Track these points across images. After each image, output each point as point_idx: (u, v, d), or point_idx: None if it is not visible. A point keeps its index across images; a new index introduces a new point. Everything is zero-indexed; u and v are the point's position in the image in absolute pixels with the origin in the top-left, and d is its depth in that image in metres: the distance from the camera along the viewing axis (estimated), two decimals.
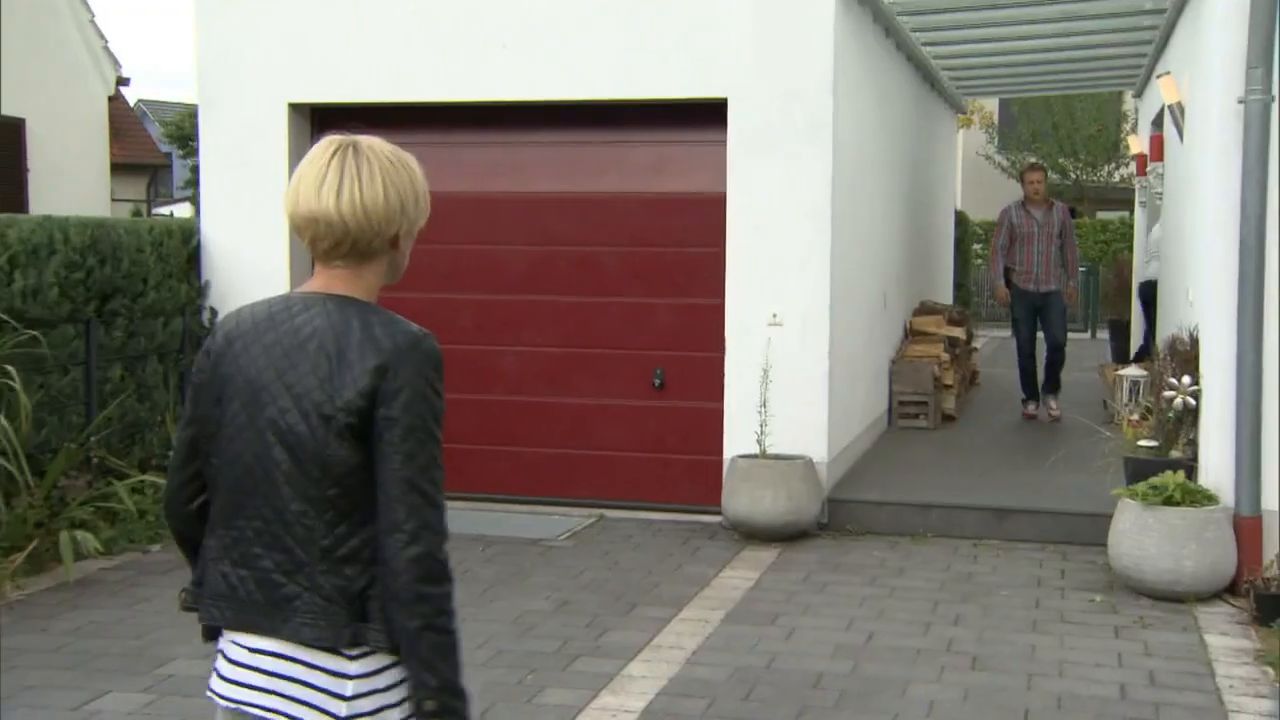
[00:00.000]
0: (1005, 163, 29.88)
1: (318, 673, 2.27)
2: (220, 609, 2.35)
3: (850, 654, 5.69)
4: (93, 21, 16.85)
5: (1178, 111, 9.00)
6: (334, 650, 2.27)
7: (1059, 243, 10.94)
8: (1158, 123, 11.10)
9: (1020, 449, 9.82)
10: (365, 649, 2.26)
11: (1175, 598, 6.45)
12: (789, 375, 7.91)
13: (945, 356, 10.89)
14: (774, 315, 7.97)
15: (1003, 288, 11.08)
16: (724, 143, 8.03)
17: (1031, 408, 11.29)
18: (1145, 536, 6.49)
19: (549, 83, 8.21)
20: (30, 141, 15.44)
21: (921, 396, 10.50)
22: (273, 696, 2.28)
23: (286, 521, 2.28)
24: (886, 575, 6.99)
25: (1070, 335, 12.15)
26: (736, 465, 7.71)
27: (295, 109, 8.58)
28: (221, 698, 2.34)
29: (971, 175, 31.68)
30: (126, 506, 7.29)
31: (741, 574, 7.00)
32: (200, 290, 8.62)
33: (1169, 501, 6.49)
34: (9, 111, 14.97)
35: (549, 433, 8.58)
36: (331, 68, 8.47)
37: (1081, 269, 26.70)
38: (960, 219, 20.46)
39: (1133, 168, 17.25)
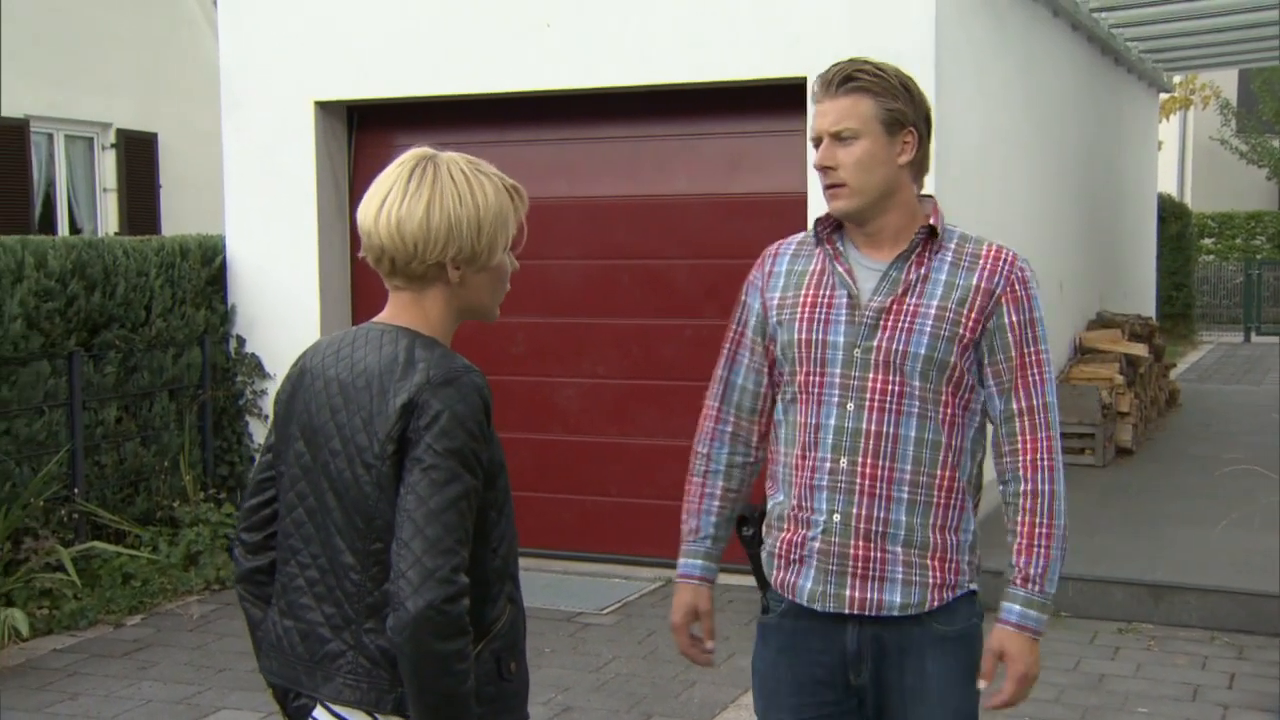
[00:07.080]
0: (1244, 147, 27.05)
1: None
2: (269, 660, 2.21)
3: None
4: None
5: None
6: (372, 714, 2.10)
7: (954, 396, 2.56)
8: None
9: (1202, 498, 7.81)
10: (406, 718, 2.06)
11: None
12: None
13: (1120, 379, 9.11)
14: None
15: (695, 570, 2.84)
16: (804, 131, 6.60)
17: None
18: None
19: (605, 67, 6.92)
20: (163, 156, 14.99)
21: (1086, 428, 8.76)
22: None
23: (338, 574, 2.11)
24: None
25: None
26: None
27: (324, 108, 7.52)
28: None
29: (1204, 161, 28.95)
30: (103, 570, 6.34)
31: None
32: (225, 316, 7.65)
33: None
34: (142, 126, 14.56)
35: (610, 478, 7.28)
36: (360, 61, 7.38)
37: None
38: (1178, 211, 18.24)
39: None
